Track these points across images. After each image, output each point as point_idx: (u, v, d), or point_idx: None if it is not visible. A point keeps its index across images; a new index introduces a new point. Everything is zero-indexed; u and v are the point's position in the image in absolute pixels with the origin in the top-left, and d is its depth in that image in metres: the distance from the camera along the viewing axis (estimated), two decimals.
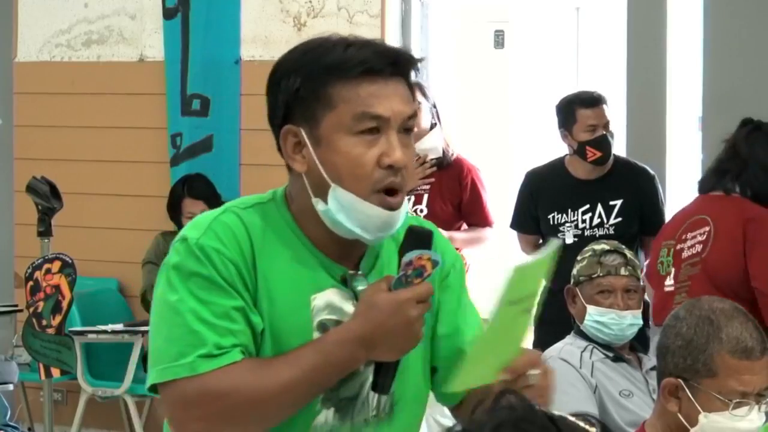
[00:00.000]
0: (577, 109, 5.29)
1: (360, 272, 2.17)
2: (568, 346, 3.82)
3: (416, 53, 2.17)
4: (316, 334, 2.12)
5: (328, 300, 2.14)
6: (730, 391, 2.62)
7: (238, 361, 2.04)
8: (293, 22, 6.49)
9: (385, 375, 2.10)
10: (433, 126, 5.44)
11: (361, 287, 2.15)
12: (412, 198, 5.47)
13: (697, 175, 5.85)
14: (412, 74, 2.15)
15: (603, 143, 5.25)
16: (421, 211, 5.43)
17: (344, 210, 2.08)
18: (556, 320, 4.77)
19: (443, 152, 5.49)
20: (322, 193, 2.09)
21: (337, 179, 2.07)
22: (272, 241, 2.12)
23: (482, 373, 2.09)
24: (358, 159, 2.06)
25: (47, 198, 5.30)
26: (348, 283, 2.15)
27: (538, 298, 2.14)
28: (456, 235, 5.43)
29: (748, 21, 5.69)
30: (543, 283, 2.13)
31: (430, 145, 5.45)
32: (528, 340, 5.87)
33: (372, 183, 2.07)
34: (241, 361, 2.04)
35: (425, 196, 5.47)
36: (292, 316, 2.11)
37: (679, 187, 5.96)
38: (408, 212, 2.19)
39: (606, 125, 5.27)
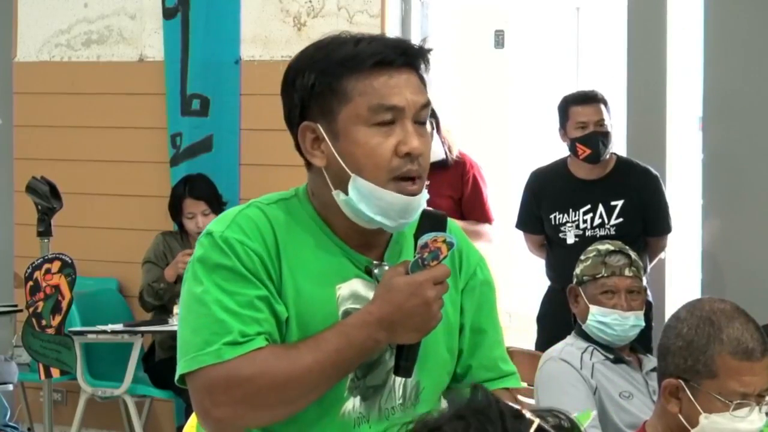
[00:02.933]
0: (570, 107, 5.31)
1: (384, 263, 2.21)
2: (568, 347, 3.82)
3: (427, 45, 2.21)
4: None
5: (353, 289, 2.19)
6: (731, 392, 2.62)
7: (263, 347, 2.09)
8: (293, 22, 6.49)
9: (406, 358, 2.14)
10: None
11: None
12: None
13: (698, 175, 5.86)
14: (423, 67, 2.18)
15: (592, 141, 5.24)
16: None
17: (365, 199, 2.12)
18: (557, 320, 4.79)
19: (445, 155, 5.49)
20: (343, 185, 2.14)
21: (356, 170, 2.12)
22: (296, 233, 2.18)
23: None
24: (376, 149, 2.11)
25: (47, 198, 5.30)
26: (372, 273, 2.20)
27: None
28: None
29: (748, 21, 5.68)
30: None
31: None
32: (529, 340, 5.88)
33: (390, 171, 2.12)
34: (266, 347, 2.09)
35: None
36: (318, 305, 2.16)
37: (679, 187, 5.97)
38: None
39: (598, 123, 5.25)
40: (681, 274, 6.08)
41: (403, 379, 2.21)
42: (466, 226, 5.48)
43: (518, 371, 5.05)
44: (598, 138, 5.23)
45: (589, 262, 3.88)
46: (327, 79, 2.13)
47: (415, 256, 2.11)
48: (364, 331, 2.10)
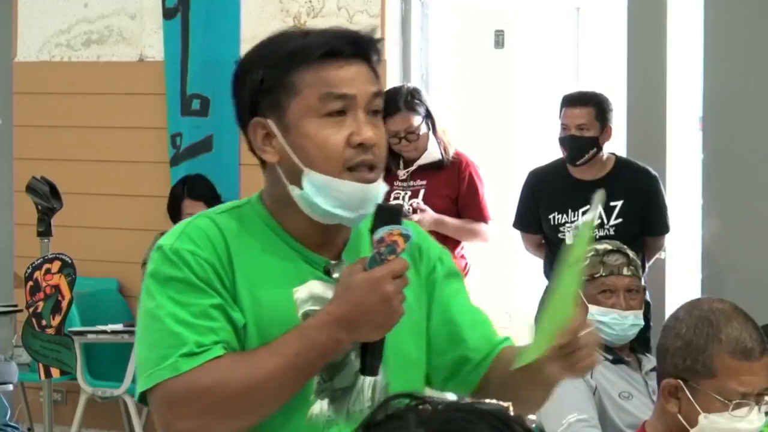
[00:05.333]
0: (562, 107, 5.34)
1: (342, 261, 2.16)
2: None
3: (375, 35, 2.19)
4: None
5: (311, 291, 2.14)
6: (730, 391, 2.62)
7: (220, 356, 2.05)
8: (293, 22, 6.49)
9: (371, 356, 2.10)
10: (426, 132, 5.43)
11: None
12: (409, 193, 5.46)
13: (697, 175, 5.86)
14: (374, 58, 2.15)
15: (568, 143, 5.26)
16: (418, 203, 5.42)
17: (321, 192, 2.08)
18: None
19: (441, 155, 5.48)
20: (297, 179, 2.10)
21: (309, 163, 2.09)
22: (249, 239, 2.14)
23: (546, 338, 2.10)
24: (328, 140, 2.08)
25: (47, 198, 5.29)
26: (331, 273, 2.16)
27: (584, 260, 2.17)
28: (447, 220, 5.42)
29: (748, 21, 5.69)
30: (589, 244, 2.15)
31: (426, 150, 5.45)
32: (529, 340, 5.89)
33: (344, 162, 2.08)
34: (224, 355, 2.05)
35: (421, 191, 5.46)
36: (277, 310, 2.11)
37: (679, 187, 5.97)
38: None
39: (579, 126, 5.25)
40: (681, 274, 6.08)
41: (372, 380, 2.17)
42: (461, 224, 5.48)
43: None
44: (574, 142, 5.24)
45: (587, 262, 3.88)
46: (276, 73, 2.10)
47: (371, 252, 2.06)
48: (324, 332, 2.05)
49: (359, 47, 2.12)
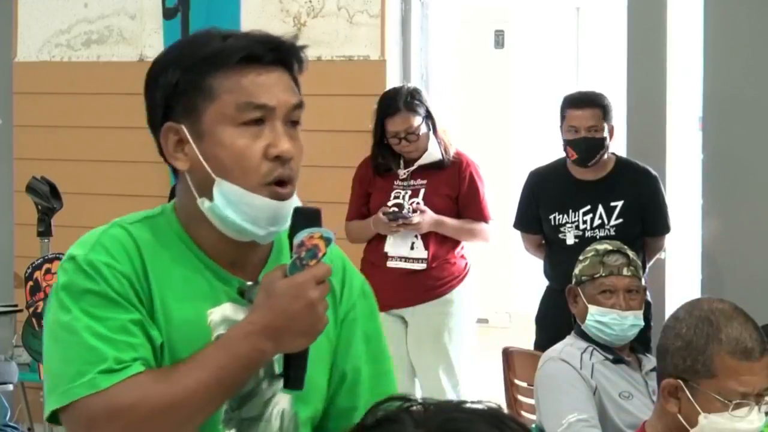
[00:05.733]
0: (567, 108, 5.30)
1: (256, 282, 2.06)
2: (568, 347, 3.82)
3: (299, 41, 2.07)
4: None
5: (225, 314, 2.04)
6: (730, 391, 2.62)
7: (141, 372, 1.95)
8: (293, 22, 6.49)
9: (296, 367, 2.01)
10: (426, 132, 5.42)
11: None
12: (409, 192, 5.46)
13: (697, 175, 5.86)
14: (296, 66, 2.05)
15: (580, 146, 5.24)
16: (418, 203, 5.41)
17: (231, 205, 1.99)
18: (556, 320, 4.79)
19: (442, 155, 5.47)
20: (207, 190, 2.01)
21: (222, 173, 1.99)
22: (163, 255, 2.04)
23: None
24: (244, 151, 1.98)
25: (47, 198, 5.30)
26: (245, 295, 2.06)
27: None
28: (447, 220, 5.41)
29: (748, 21, 5.68)
30: None
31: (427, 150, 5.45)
32: (529, 340, 5.88)
33: (260, 176, 1.99)
34: (144, 372, 1.95)
35: (422, 191, 5.45)
36: (190, 332, 2.02)
37: (679, 187, 5.97)
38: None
39: (590, 128, 5.23)
40: (681, 274, 6.08)
41: (281, 409, 2.08)
42: (461, 225, 5.47)
43: (518, 371, 5.06)
44: (587, 143, 5.23)
45: (587, 262, 3.88)
46: (192, 76, 1.99)
47: (291, 256, 1.97)
48: (248, 343, 1.95)
49: (280, 54, 2.03)
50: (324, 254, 1.97)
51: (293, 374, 2.02)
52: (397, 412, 1.30)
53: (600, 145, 5.24)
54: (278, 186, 2.00)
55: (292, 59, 2.05)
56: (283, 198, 2.00)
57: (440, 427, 1.27)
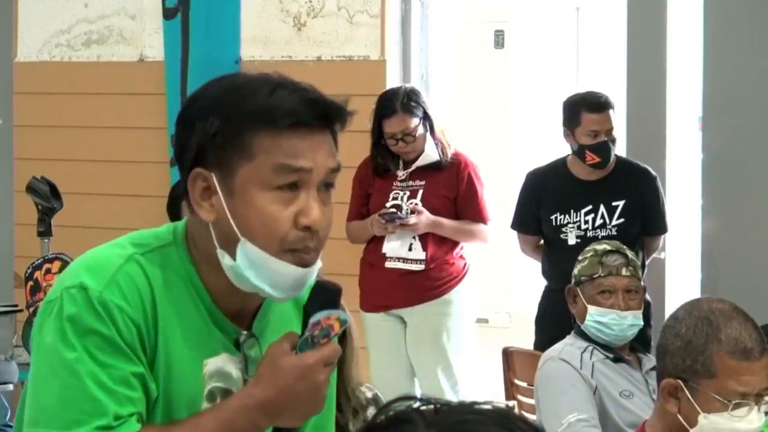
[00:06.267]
0: (583, 112, 5.25)
1: (252, 335, 2.04)
2: (568, 347, 3.82)
3: (349, 106, 1.99)
4: (205, 404, 2.02)
5: (218, 366, 2.02)
6: (730, 391, 2.62)
7: (136, 431, 1.92)
8: (293, 22, 6.49)
9: None
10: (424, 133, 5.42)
11: (251, 351, 2.04)
12: (407, 193, 5.45)
13: (697, 175, 5.86)
14: (338, 126, 1.99)
15: (603, 149, 5.23)
16: (416, 204, 5.41)
17: (254, 267, 1.94)
18: (556, 320, 4.79)
19: (439, 156, 5.46)
20: (230, 246, 1.95)
21: (248, 234, 1.93)
22: (172, 295, 1.99)
23: None
24: (274, 216, 1.92)
25: (47, 198, 5.30)
26: (240, 346, 2.04)
27: None
28: (444, 222, 5.41)
29: (748, 21, 5.69)
30: None
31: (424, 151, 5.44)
32: (529, 340, 5.89)
33: (287, 243, 1.93)
34: (140, 430, 1.93)
35: (420, 191, 5.44)
36: (185, 383, 2.00)
37: (679, 187, 5.97)
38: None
39: (609, 131, 5.24)
40: (680, 274, 6.08)
41: None
42: (459, 226, 5.47)
43: (518, 371, 5.06)
44: (609, 147, 5.23)
45: (586, 263, 3.88)
46: (231, 131, 1.92)
47: (305, 333, 1.94)
48: (244, 417, 1.93)
49: (328, 120, 1.96)
50: (336, 334, 1.96)
51: None
52: (408, 412, 1.30)
53: (615, 144, 5.28)
54: (304, 253, 1.95)
55: (337, 122, 1.99)
56: (307, 264, 1.96)
57: (452, 429, 1.28)
